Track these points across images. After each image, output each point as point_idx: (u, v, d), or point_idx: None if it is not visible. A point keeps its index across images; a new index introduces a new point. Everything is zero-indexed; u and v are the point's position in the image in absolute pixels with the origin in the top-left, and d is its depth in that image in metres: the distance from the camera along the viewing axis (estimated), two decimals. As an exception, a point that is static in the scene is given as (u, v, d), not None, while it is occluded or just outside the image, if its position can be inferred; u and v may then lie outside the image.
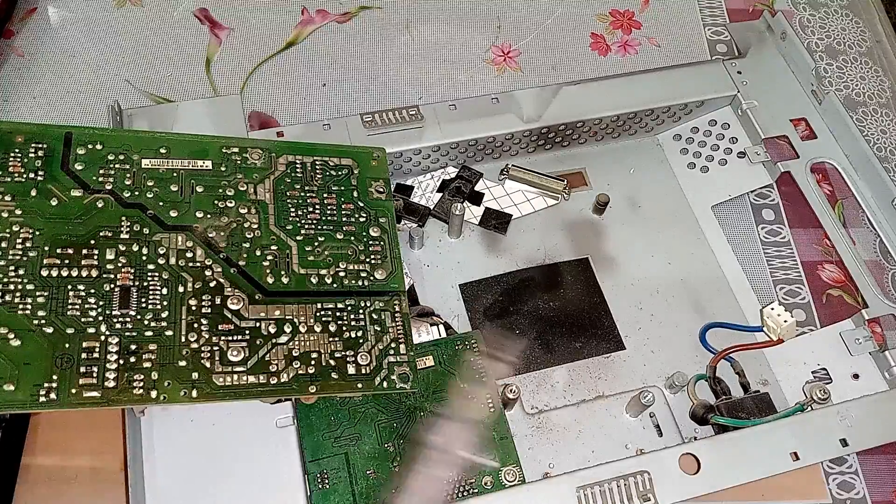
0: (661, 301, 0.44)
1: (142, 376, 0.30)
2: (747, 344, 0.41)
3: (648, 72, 0.48)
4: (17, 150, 0.33)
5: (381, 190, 0.38)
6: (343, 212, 0.37)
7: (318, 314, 0.34)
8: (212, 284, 0.33)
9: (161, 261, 0.32)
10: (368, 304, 0.35)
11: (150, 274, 0.32)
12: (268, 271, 0.34)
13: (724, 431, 0.37)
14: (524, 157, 0.48)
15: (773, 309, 0.40)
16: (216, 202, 0.35)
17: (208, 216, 0.34)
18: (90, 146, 0.34)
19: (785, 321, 0.40)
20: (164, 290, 0.32)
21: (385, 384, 0.33)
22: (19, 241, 0.31)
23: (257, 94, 0.52)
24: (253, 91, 0.52)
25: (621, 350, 0.42)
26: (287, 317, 0.33)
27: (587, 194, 0.47)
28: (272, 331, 0.33)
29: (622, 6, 0.58)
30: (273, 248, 0.35)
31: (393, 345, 0.34)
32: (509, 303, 0.43)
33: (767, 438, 0.35)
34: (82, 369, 0.29)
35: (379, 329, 0.34)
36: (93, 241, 0.32)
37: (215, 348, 0.31)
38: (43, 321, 0.30)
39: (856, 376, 0.41)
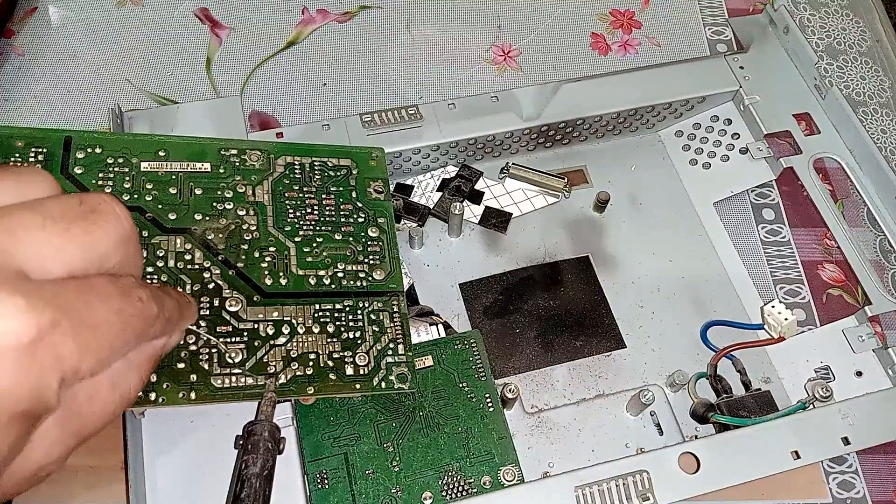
0: (662, 299, 0.44)
1: (141, 378, 0.30)
2: (749, 342, 0.41)
3: (649, 68, 0.48)
4: (17, 155, 0.33)
5: (380, 190, 0.38)
6: (341, 212, 0.37)
7: (316, 315, 0.34)
8: (210, 286, 0.33)
9: (160, 263, 0.33)
10: (367, 305, 0.35)
11: (148, 276, 0.32)
12: (266, 272, 0.34)
13: (726, 430, 0.37)
14: (524, 155, 0.48)
15: (773, 307, 0.40)
16: (215, 204, 0.35)
17: (207, 218, 0.34)
18: (90, 150, 0.34)
19: (785, 319, 0.40)
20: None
21: (383, 384, 0.33)
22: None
23: (258, 93, 0.52)
24: (253, 90, 0.52)
25: (622, 348, 0.42)
26: (285, 318, 0.33)
27: (588, 192, 0.47)
28: (270, 332, 0.33)
29: (622, 6, 0.58)
30: (271, 249, 0.35)
31: (391, 345, 0.34)
32: (509, 302, 0.43)
33: (768, 437, 0.35)
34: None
35: (377, 329, 0.34)
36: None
37: (214, 350, 0.31)
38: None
39: (859, 374, 0.41)
